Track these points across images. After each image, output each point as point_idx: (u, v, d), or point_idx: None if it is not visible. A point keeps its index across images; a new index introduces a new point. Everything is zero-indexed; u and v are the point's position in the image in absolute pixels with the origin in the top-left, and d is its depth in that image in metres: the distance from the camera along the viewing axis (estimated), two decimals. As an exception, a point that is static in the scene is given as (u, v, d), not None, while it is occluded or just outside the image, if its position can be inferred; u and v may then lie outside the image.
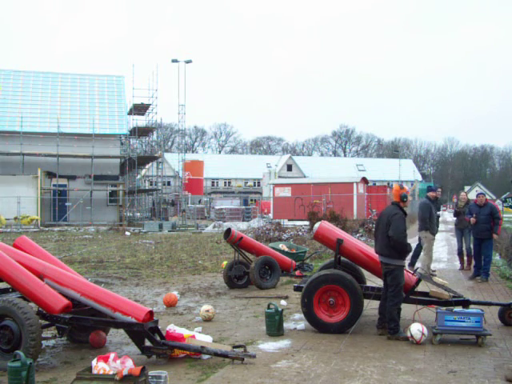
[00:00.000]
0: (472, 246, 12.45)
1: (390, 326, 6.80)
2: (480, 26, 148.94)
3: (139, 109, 37.11)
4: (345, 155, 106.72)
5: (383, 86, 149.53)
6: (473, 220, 11.52)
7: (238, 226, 26.99)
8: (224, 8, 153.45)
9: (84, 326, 6.26)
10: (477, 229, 11.57)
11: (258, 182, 79.33)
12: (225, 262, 12.73)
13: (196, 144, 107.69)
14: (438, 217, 12.56)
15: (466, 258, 13.19)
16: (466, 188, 75.78)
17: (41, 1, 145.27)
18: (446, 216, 45.15)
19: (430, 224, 11.12)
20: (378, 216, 7.55)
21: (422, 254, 11.74)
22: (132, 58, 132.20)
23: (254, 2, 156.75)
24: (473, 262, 12.30)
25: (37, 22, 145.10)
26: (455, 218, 13.52)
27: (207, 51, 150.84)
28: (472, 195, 28.78)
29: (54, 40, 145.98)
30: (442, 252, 17.62)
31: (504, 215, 22.84)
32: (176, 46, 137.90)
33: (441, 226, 19.35)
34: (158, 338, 5.86)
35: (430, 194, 11.58)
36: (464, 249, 13.22)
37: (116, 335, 7.15)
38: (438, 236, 13.23)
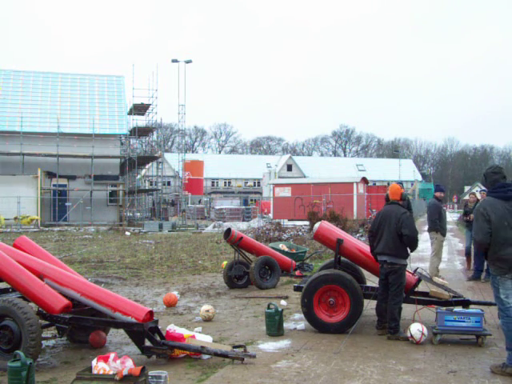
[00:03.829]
0: (472, 246, 12.38)
1: (391, 326, 6.79)
2: (483, 30, 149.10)
3: (139, 109, 37.10)
4: (345, 155, 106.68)
5: (383, 87, 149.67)
6: (471, 216, 11.51)
7: (238, 226, 26.98)
8: (223, 9, 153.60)
9: (84, 326, 6.26)
10: None
11: (258, 182, 79.34)
12: (225, 262, 12.73)
13: (196, 144, 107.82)
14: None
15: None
16: (466, 188, 75.79)
17: (43, 2, 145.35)
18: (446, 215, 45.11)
19: (440, 225, 10.95)
20: (376, 216, 7.41)
21: (431, 255, 11.45)
22: (132, 58, 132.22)
23: (253, 3, 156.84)
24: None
25: (36, 22, 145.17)
26: (465, 219, 13.29)
27: (207, 51, 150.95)
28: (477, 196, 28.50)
29: (53, 41, 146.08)
30: (443, 252, 17.58)
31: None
32: (175, 47, 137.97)
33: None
34: (158, 338, 5.86)
35: (437, 193, 11.23)
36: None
37: (116, 335, 7.15)
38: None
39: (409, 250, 7.09)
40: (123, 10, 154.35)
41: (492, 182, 5.68)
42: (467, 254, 13.30)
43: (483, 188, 11.89)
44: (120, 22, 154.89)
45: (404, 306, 7.20)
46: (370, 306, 7.49)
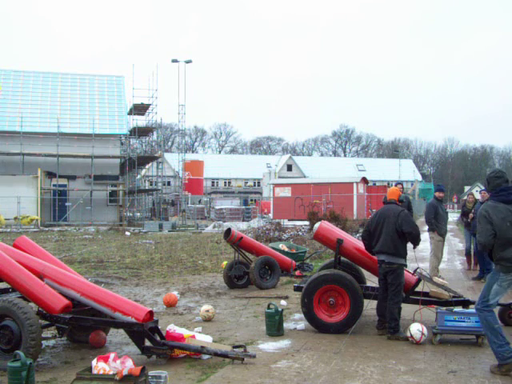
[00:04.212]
0: (472, 246, 12.40)
1: (391, 325, 6.79)
2: (483, 30, 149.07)
3: (139, 109, 37.07)
4: (345, 155, 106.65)
5: (383, 86, 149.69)
6: (470, 216, 11.57)
7: (238, 226, 26.96)
8: (223, 9, 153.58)
9: (84, 325, 6.26)
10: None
11: (258, 182, 79.32)
12: (225, 262, 12.73)
13: (196, 144, 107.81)
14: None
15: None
16: (466, 188, 75.76)
17: (43, 2, 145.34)
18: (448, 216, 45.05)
19: (436, 224, 10.96)
20: (374, 215, 7.42)
21: (429, 255, 11.46)
22: (132, 58, 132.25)
23: (253, 3, 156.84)
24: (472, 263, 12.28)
25: (36, 22, 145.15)
26: (464, 219, 13.30)
27: (207, 51, 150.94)
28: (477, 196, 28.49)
29: (54, 41, 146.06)
30: (443, 252, 17.56)
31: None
32: (175, 47, 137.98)
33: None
34: (158, 338, 5.86)
35: (437, 193, 11.20)
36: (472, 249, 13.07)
37: (116, 335, 7.15)
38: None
39: (412, 246, 7.12)
40: (123, 10, 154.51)
41: (495, 187, 5.75)
42: (467, 254, 13.30)
43: (483, 188, 11.91)
44: (120, 22, 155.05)
45: (404, 305, 7.20)
46: (370, 306, 7.49)
